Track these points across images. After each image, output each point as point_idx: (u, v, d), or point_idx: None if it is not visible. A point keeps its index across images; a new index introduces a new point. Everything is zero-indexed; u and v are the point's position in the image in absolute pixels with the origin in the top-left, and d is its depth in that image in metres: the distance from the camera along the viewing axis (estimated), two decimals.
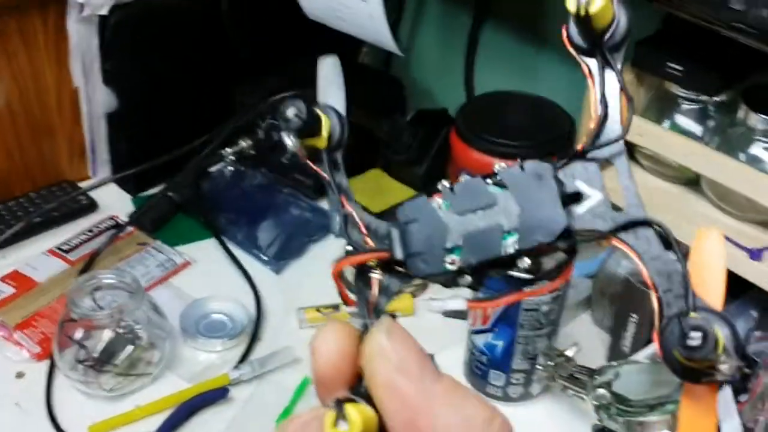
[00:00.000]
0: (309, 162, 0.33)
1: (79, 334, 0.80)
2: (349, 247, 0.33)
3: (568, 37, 0.32)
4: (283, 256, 1.01)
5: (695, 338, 0.26)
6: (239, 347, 0.89)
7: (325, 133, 0.33)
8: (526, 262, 0.30)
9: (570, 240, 0.30)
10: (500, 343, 0.81)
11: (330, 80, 0.37)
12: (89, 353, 0.80)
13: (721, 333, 0.27)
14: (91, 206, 1.06)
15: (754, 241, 0.78)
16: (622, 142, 0.32)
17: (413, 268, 0.31)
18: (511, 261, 0.30)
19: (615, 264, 0.91)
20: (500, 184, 0.31)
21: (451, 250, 0.30)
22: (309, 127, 0.32)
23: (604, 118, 0.32)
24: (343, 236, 0.32)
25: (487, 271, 0.31)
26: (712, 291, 0.28)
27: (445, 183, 0.32)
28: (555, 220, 0.30)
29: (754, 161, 0.77)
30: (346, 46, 1.16)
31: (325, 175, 0.33)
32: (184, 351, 0.88)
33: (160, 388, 0.84)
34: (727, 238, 0.78)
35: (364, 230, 0.32)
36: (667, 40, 0.81)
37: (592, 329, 0.93)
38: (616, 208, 0.31)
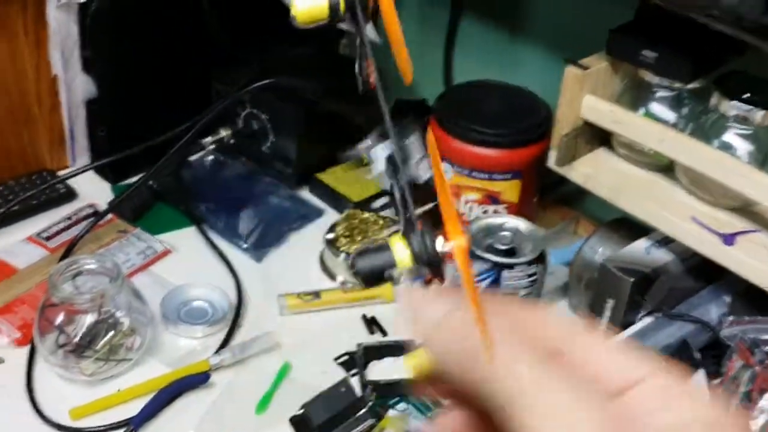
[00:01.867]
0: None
1: (59, 318, 0.80)
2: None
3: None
4: (263, 244, 1.02)
5: None
6: (220, 333, 0.89)
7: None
8: None
9: None
10: None
11: None
12: (70, 338, 0.80)
13: None
14: (70, 194, 1.06)
15: (727, 227, 0.79)
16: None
17: None
18: None
19: (591, 251, 0.92)
20: None
21: None
22: None
23: None
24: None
25: None
26: None
27: None
28: None
29: (727, 147, 0.78)
30: (325, 36, 1.16)
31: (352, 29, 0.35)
32: (165, 337, 0.89)
33: (141, 373, 0.84)
34: (701, 224, 0.80)
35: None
36: (641, 28, 0.82)
37: (568, 315, 0.94)
38: None
